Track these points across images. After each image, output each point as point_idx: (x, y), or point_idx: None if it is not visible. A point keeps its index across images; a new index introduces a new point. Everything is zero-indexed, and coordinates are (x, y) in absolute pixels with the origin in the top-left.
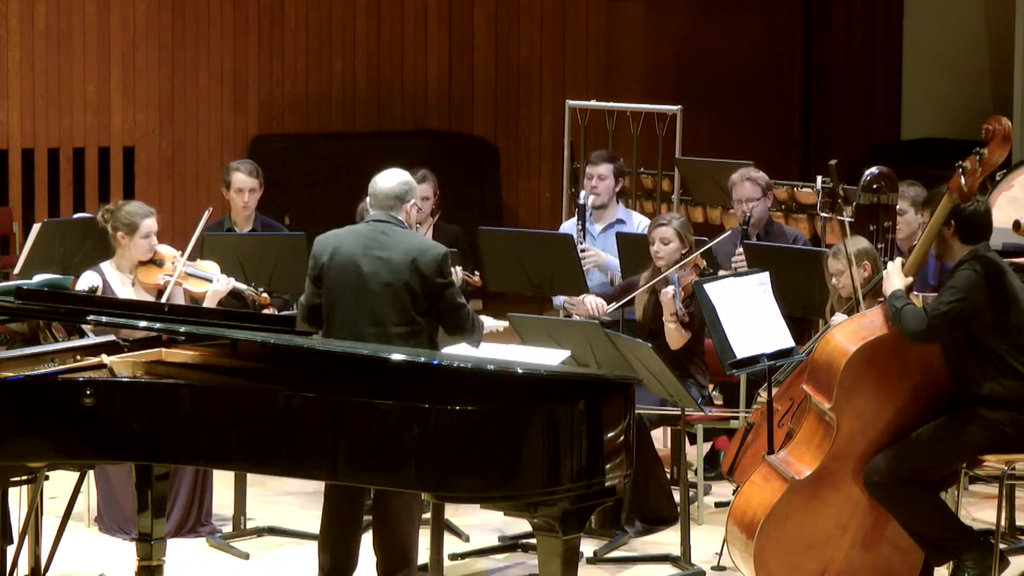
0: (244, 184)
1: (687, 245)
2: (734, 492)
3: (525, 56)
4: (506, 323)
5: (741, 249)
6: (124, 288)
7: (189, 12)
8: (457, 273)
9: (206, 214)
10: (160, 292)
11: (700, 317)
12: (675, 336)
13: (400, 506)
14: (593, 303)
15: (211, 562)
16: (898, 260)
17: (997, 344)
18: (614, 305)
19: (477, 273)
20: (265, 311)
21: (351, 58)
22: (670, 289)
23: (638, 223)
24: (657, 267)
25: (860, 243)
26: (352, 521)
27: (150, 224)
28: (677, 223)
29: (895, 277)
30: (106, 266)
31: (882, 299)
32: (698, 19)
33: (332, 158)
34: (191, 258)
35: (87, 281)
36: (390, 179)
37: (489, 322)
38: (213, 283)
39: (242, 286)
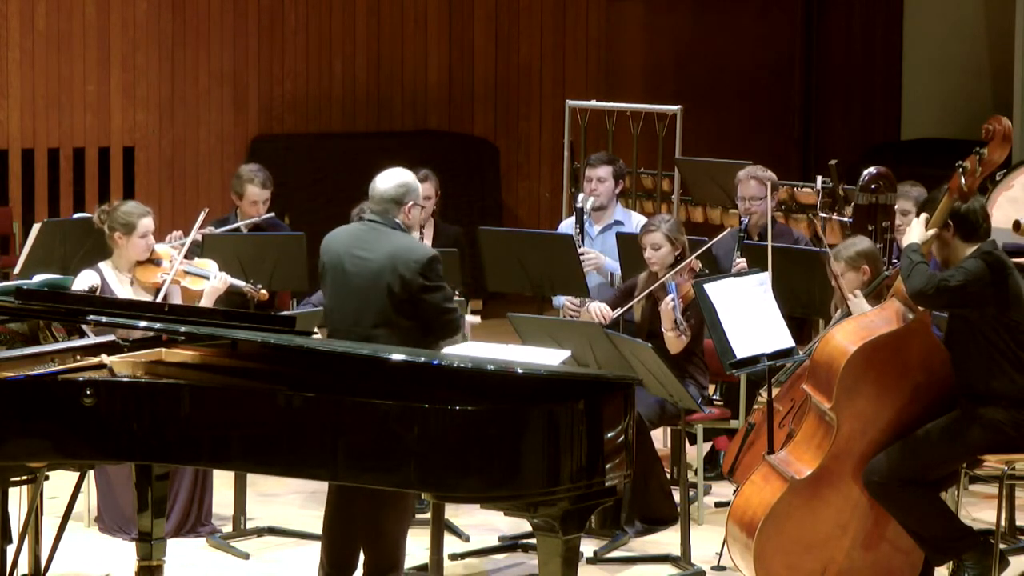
0: (258, 197)
1: (679, 247)
2: (734, 492)
3: (525, 56)
4: (478, 319)
5: (739, 252)
6: (122, 287)
7: (189, 12)
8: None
9: (201, 216)
10: (158, 291)
11: (700, 318)
12: (674, 343)
13: (383, 502)
14: (597, 309)
15: (211, 562)
16: (923, 215)
17: (1000, 340)
18: (619, 311)
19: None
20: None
21: (351, 58)
22: (669, 300)
23: (636, 223)
24: (653, 271)
25: (861, 244)
26: (352, 520)
27: (147, 223)
28: (666, 227)
29: (917, 229)
30: (104, 266)
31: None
32: (698, 19)
33: (332, 158)
34: (188, 256)
35: (86, 280)
36: (388, 180)
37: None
38: (210, 280)
39: (240, 282)
